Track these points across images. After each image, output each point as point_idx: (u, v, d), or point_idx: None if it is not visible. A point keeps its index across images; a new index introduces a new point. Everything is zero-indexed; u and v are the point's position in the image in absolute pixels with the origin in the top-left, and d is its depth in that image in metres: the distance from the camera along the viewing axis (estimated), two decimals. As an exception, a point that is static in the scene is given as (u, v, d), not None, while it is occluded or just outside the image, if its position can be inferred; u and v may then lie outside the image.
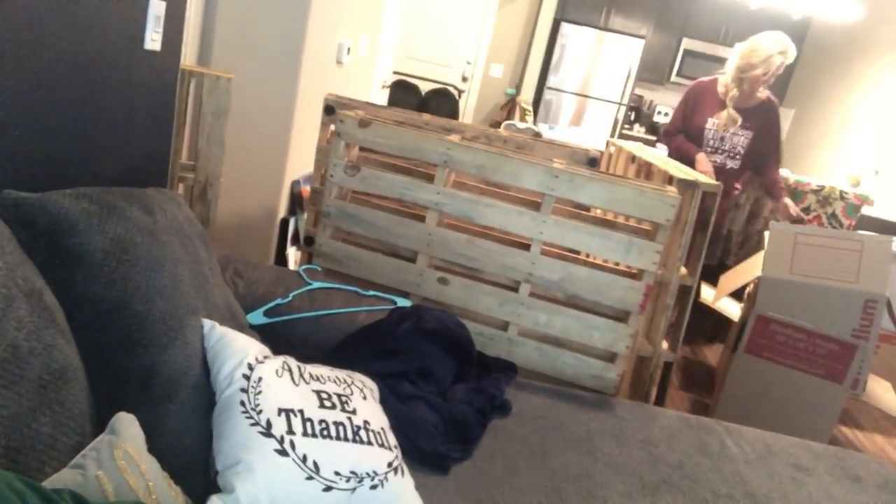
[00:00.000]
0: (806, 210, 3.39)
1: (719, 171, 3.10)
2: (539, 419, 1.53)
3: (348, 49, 3.05)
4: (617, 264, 1.90)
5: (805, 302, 2.33)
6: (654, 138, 5.96)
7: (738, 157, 3.12)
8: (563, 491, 1.28)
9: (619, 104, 5.84)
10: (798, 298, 2.34)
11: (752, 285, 2.64)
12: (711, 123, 3.11)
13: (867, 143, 4.49)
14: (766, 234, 2.55)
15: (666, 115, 6.19)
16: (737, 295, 2.98)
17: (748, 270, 2.81)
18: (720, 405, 2.55)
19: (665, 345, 2.24)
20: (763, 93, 3.06)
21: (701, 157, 3.08)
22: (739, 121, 3.04)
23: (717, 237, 3.48)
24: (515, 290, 1.82)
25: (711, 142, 3.14)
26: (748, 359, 2.46)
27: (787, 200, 3.18)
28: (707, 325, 3.67)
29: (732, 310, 3.11)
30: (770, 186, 3.23)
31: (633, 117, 6.19)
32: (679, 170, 2.22)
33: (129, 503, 0.75)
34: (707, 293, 3.28)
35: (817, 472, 1.52)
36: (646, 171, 2.44)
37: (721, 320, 3.30)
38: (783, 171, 3.39)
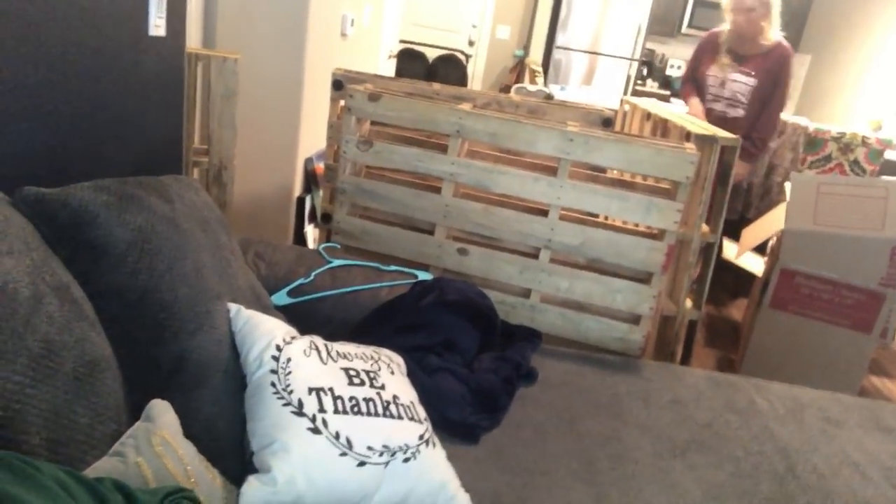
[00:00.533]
0: (827, 158, 3.32)
1: (721, 120, 2.98)
2: (566, 385, 1.53)
3: (352, 21, 3.01)
4: (637, 225, 1.89)
5: (830, 253, 2.30)
6: (668, 93, 5.86)
7: (739, 105, 3.00)
8: (592, 455, 1.29)
9: (631, 60, 5.72)
10: (823, 249, 2.31)
11: (774, 238, 2.61)
12: (712, 72, 3.07)
13: (888, 86, 4.37)
14: (787, 185, 2.50)
15: (679, 68, 6.06)
16: (759, 249, 2.95)
17: (770, 224, 2.77)
18: (746, 361, 2.54)
19: (689, 303, 2.23)
20: (771, 38, 2.92)
21: (692, 102, 3.08)
22: (728, 63, 2.98)
23: (737, 191, 3.43)
24: (535, 256, 1.81)
25: (712, 89, 3.08)
26: (773, 313, 2.44)
27: (742, 163, 2.95)
28: (730, 279, 3.64)
29: (755, 264, 3.08)
30: (752, 127, 3.04)
31: (645, 72, 6.07)
32: (696, 125, 2.18)
33: (170, 488, 0.76)
34: (729, 249, 3.25)
35: (848, 424, 1.52)
36: (662, 128, 2.40)
37: (744, 274, 3.27)
38: (800, 119, 3.32)
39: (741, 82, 2.97)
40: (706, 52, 3.11)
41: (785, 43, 2.97)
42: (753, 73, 2.95)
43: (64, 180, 1.06)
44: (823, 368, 2.39)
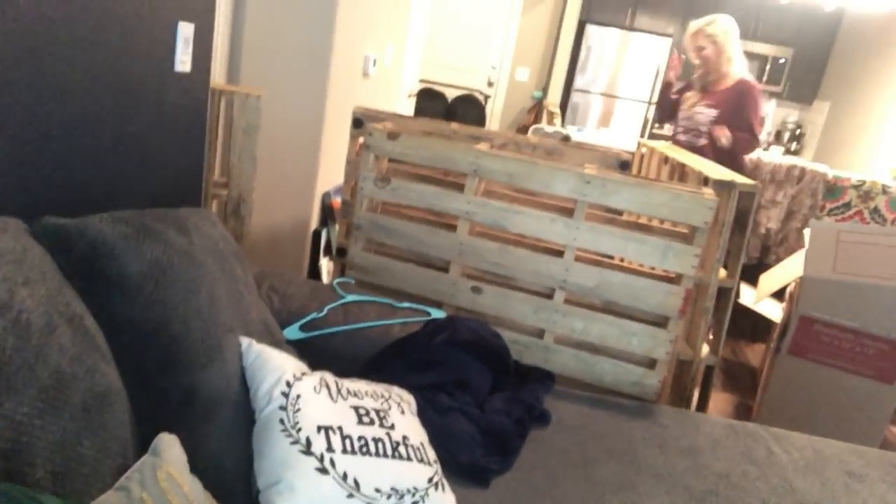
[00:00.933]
0: (847, 205, 3.29)
1: (689, 150, 3.01)
2: (579, 428, 1.50)
3: (374, 61, 3.07)
4: (654, 269, 1.87)
5: (850, 301, 2.26)
6: (685, 137, 5.87)
7: (703, 135, 3.11)
8: (606, 503, 1.26)
9: (649, 103, 5.76)
10: (843, 297, 2.27)
11: (793, 285, 2.57)
12: (685, 105, 3.24)
13: (908, 133, 4.36)
14: (806, 232, 2.48)
15: (696, 112, 6.08)
16: (777, 294, 2.91)
17: (789, 270, 2.74)
18: (764, 409, 2.49)
19: (706, 348, 2.19)
20: (733, 75, 3.07)
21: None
22: (693, 96, 3.17)
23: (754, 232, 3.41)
24: (550, 297, 1.80)
25: (682, 122, 3.23)
26: (792, 360, 2.39)
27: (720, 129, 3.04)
28: (747, 324, 3.59)
29: (773, 310, 3.04)
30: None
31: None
32: (714, 170, 2.18)
33: None
34: (747, 294, 3.21)
35: (871, 478, 1.47)
36: (679, 171, 2.40)
37: (761, 319, 3.22)
38: (819, 166, 3.30)
39: (704, 113, 3.10)
40: (685, 90, 3.31)
41: (748, 78, 3.07)
42: (714, 105, 3.07)
43: (85, 211, 1.07)
44: (844, 418, 2.32)
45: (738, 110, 3.04)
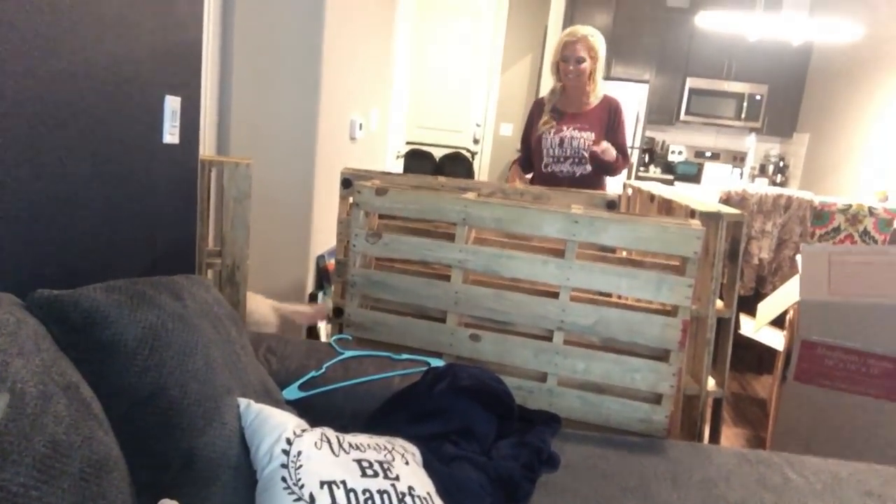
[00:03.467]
0: (836, 230, 3.33)
1: (570, 180, 2.83)
2: (590, 469, 1.48)
3: (360, 125, 3.14)
4: (650, 303, 1.87)
5: (849, 322, 2.25)
6: (671, 177, 5.96)
7: (585, 161, 2.83)
8: (623, 543, 1.23)
9: (632, 148, 5.87)
10: (842, 319, 2.26)
11: (791, 311, 2.57)
12: (547, 134, 2.89)
13: (888, 157, 4.44)
14: (798, 257, 2.49)
15: (680, 153, 6.20)
16: (777, 323, 2.90)
17: (785, 297, 2.74)
18: (777, 439, 2.44)
19: (711, 381, 2.17)
20: (598, 95, 2.85)
21: (513, 170, 3.02)
22: (548, 121, 2.86)
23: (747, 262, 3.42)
24: (549, 339, 1.79)
25: (552, 150, 2.87)
26: (799, 387, 2.37)
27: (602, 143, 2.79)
28: (752, 357, 3.56)
29: (775, 339, 3.02)
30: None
31: (647, 159, 6.21)
32: (700, 203, 2.21)
33: None
34: (747, 325, 3.20)
35: (891, 497, 1.44)
36: (666, 208, 2.43)
37: (765, 351, 3.20)
38: (804, 193, 3.35)
39: (581, 138, 2.82)
40: (536, 117, 2.98)
41: (612, 98, 2.89)
42: (588, 128, 2.83)
43: (79, 284, 1.08)
44: (858, 440, 2.28)
45: (611, 130, 2.83)
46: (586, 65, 2.78)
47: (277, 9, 2.41)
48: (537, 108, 3.00)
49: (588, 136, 2.81)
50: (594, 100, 2.86)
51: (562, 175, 2.85)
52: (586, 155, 2.81)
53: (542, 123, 2.90)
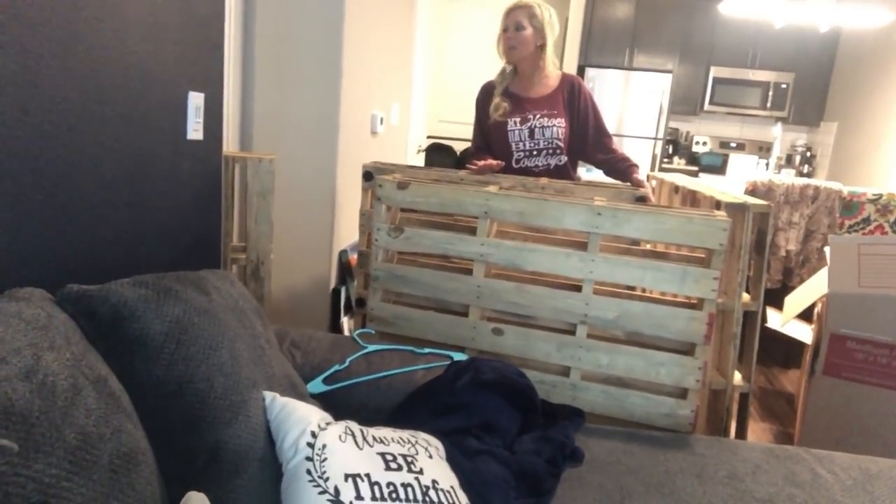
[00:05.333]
0: (866, 220, 3.26)
1: (548, 173, 2.52)
2: (614, 464, 1.47)
3: (381, 119, 3.14)
4: (675, 296, 1.85)
5: (880, 314, 2.21)
6: (695, 169, 5.89)
7: (560, 151, 2.52)
8: (648, 537, 1.22)
9: (655, 139, 5.81)
10: (871, 312, 2.22)
11: (819, 304, 2.53)
12: (508, 122, 2.53)
13: (920, 145, 4.34)
14: (827, 249, 2.45)
15: (705, 144, 6.12)
16: (805, 316, 2.86)
17: (813, 289, 2.69)
18: (805, 435, 2.41)
19: (738, 375, 2.15)
20: (551, 73, 2.55)
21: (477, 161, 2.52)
22: (500, 103, 2.52)
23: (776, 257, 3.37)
24: (572, 333, 1.78)
25: (522, 144, 2.53)
26: (828, 381, 2.33)
27: (638, 177, 2.48)
28: (780, 350, 3.51)
29: (803, 332, 2.97)
30: (612, 164, 2.57)
31: (671, 150, 6.14)
32: (725, 194, 2.17)
33: None
34: (774, 318, 3.15)
35: (924, 494, 1.41)
36: (691, 199, 2.40)
37: (793, 344, 3.15)
38: (832, 184, 3.28)
39: (552, 126, 2.50)
40: (485, 104, 2.62)
41: (571, 75, 2.61)
42: (557, 113, 2.52)
43: (107, 279, 1.10)
44: (889, 436, 2.24)
45: (577, 107, 2.53)
46: (527, 33, 2.45)
47: (298, 5, 2.41)
48: (484, 95, 2.63)
49: (559, 123, 2.50)
50: (551, 79, 2.55)
51: (537, 170, 2.54)
52: (561, 144, 2.51)
53: (494, 108, 2.54)
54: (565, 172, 2.55)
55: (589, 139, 2.56)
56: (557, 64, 2.59)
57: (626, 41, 5.87)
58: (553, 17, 2.51)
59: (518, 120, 2.53)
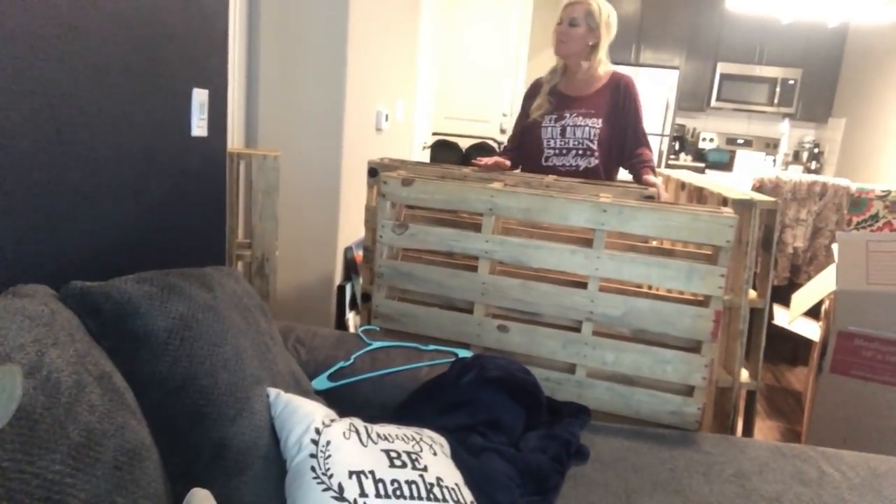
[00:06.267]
0: (875, 217, 3.23)
1: (576, 174, 2.43)
2: (620, 462, 1.46)
3: (386, 116, 3.14)
4: (682, 293, 1.84)
5: (888, 312, 2.19)
6: (702, 165, 5.86)
7: (590, 153, 2.44)
8: (654, 535, 1.21)
9: (662, 135, 5.78)
10: (881, 309, 2.20)
11: (827, 301, 2.51)
12: (544, 119, 2.48)
13: (929, 141, 4.31)
14: (835, 246, 2.43)
15: (712, 140, 6.09)
16: (813, 313, 2.84)
17: (821, 286, 2.68)
18: (812, 433, 2.40)
19: (745, 373, 2.13)
20: (601, 71, 2.48)
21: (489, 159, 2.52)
22: (546, 103, 2.48)
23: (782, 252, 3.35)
24: (578, 330, 1.77)
25: (552, 142, 2.47)
26: (835, 379, 2.31)
27: (649, 177, 2.41)
28: (787, 348, 3.50)
29: (810, 330, 2.96)
30: (632, 163, 2.51)
31: (677, 147, 6.11)
32: (732, 190, 2.16)
33: None
34: (781, 315, 3.13)
35: (933, 492, 1.40)
36: (697, 196, 2.39)
37: (800, 341, 3.13)
38: (841, 180, 3.26)
39: (587, 126, 2.43)
40: (529, 103, 2.59)
41: (621, 73, 2.52)
42: (594, 113, 2.45)
43: (111, 276, 1.10)
44: (898, 435, 2.23)
45: (620, 109, 2.44)
46: (580, 30, 2.39)
47: (303, 1, 2.41)
48: (533, 91, 2.61)
49: (594, 123, 2.42)
50: (599, 79, 2.47)
51: (564, 169, 2.48)
52: (593, 146, 2.44)
53: (536, 107, 2.51)
54: (595, 176, 2.45)
55: (625, 142, 2.49)
56: (608, 63, 2.51)
57: (632, 37, 5.84)
58: (611, 18, 2.45)
59: (554, 117, 2.48)
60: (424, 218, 2.00)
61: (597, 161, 2.47)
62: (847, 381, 2.29)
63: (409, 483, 1.04)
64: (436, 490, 1.06)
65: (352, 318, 2.77)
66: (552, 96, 2.52)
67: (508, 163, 2.51)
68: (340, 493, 0.98)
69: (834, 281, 2.33)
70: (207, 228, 1.70)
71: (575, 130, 2.45)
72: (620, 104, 2.46)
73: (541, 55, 6.41)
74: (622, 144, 2.49)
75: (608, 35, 2.45)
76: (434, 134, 5.52)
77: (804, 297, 2.83)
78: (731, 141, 6.09)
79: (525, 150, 2.59)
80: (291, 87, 2.47)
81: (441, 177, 1.97)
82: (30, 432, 0.75)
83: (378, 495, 0.99)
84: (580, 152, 2.46)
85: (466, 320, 1.85)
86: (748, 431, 2.24)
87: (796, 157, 5.89)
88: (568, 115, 2.47)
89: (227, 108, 1.72)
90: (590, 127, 2.43)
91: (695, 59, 5.80)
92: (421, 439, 1.17)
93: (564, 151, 2.48)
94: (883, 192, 3.20)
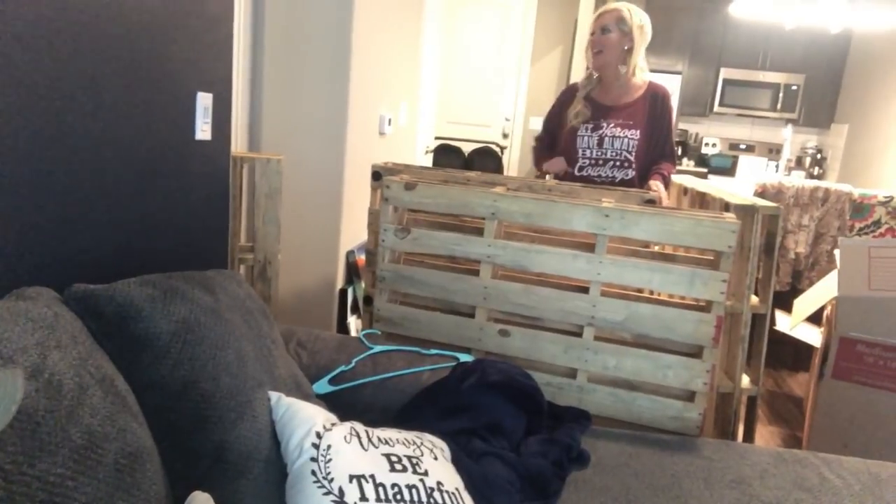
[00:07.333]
0: (877, 223, 3.23)
1: (612, 185, 2.41)
2: (620, 467, 1.46)
3: (389, 120, 3.14)
4: (683, 298, 1.84)
5: (890, 318, 2.19)
6: (705, 170, 5.86)
7: (628, 164, 2.42)
8: (654, 541, 1.21)
9: (664, 141, 5.79)
10: (882, 315, 2.20)
11: (829, 307, 2.51)
12: (581, 127, 2.46)
13: (932, 148, 4.30)
14: (837, 251, 2.43)
15: (714, 145, 6.09)
16: (814, 319, 2.84)
17: (823, 292, 2.67)
18: (813, 438, 2.39)
19: (746, 379, 2.13)
20: (638, 79, 2.46)
21: (552, 162, 2.53)
22: (581, 111, 2.46)
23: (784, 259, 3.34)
24: (579, 334, 1.77)
25: (589, 151, 2.45)
26: (836, 385, 2.31)
27: (654, 183, 2.39)
28: (788, 353, 3.49)
29: (812, 335, 2.95)
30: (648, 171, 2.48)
31: (680, 152, 6.11)
32: (734, 196, 2.16)
33: None
34: (782, 321, 3.13)
35: (934, 500, 1.39)
36: (699, 201, 2.39)
37: (802, 347, 3.13)
38: (843, 186, 3.26)
39: (625, 137, 2.41)
40: (566, 106, 2.58)
41: (658, 84, 2.52)
42: (633, 124, 2.43)
43: (114, 278, 1.10)
44: (900, 442, 2.22)
45: (656, 120, 2.42)
46: (613, 36, 2.39)
47: (307, 5, 2.42)
48: (569, 95, 2.59)
49: (633, 135, 2.40)
50: (636, 88, 2.45)
51: (600, 180, 2.46)
52: (631, 158, 2.41)
53: (574, 114, 2.48)
54: (631, 187, 2.42)
55: (654, 154, 2.47)
56: (646, 71, 2.50)
57: (635, 42, 5.84)
58: (645, 23, 2.44)
59: (591, 126, 2.45)
60: (427, 222, 2.00)
61: (633, 173, 2.45)
62: (848, 386, 2.29)
63: (409, 487, 1.04)
64: (436, 494, 1.06)
65: (353, 322, 2.77)
66: (588, 102, 2.50)
67: (569, 169, 2.49)
68: (341, 497, 0.98)
69: (836, 287, 2.33)
70: (210, 231, 1.70)
71: (613, 141, 2.42)
72: (658, 116, 2.44)
73: (543, 60, 6.42)
74: (653, 157, 2.48)
75: (643, 39, 2.44)
76: (437, 138, 5.53)
77: (806, 302, 2.82)
78: (734, 146, 6.09)
79: (554, 146, 2.57)
80: (295, 91, 2.47)
81: (444, 181, 1.97)
82: (31, 435, 0.75)
83: (378, 499, 1.00)
84: (618, 164, 2.43)
85: (468, 324, 1.85)
86: (749, 437, 2.24)
87: (799, 163, 5.89)
88: (605, 124, 2.44)
89: (230, 112, 1.73)
90: (629, 138, 2.41)
91: (698, 64, 5.80)
92: (421, 443, 1.18)
93: (601, 162, 2.45)
94: (885, 198, 3.20)
